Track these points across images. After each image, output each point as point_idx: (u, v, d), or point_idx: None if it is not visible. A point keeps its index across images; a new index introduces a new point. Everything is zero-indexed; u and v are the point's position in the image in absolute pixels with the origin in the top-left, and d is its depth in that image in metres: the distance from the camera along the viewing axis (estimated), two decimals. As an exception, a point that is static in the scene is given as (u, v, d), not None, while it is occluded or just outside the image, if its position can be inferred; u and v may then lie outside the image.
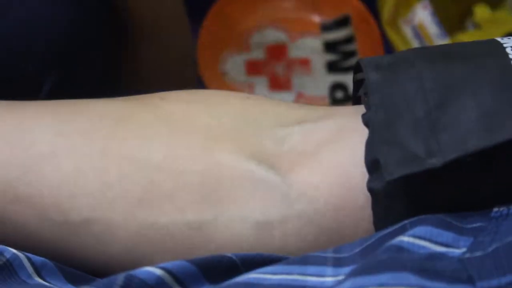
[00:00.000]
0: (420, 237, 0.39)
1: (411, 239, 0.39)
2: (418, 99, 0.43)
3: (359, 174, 0.45)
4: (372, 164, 0.44)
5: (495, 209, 0.42)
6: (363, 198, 0.44)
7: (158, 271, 0.40)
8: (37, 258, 0.46)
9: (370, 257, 0.40)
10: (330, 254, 0.41)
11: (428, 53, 0.45)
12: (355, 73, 0.49)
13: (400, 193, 0.43)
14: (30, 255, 0.46)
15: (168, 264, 0.40)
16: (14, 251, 0.45)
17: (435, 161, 0.41)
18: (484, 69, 0.43)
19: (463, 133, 0.41)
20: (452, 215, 0.41)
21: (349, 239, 0.45)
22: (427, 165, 0.41)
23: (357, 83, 0.50)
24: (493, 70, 0.43)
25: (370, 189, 0.44)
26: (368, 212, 0.44)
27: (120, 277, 0.39)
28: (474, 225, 0.41)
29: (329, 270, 0.39)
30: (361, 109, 0.47)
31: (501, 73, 0.42)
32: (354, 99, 0.51)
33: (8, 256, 0.44)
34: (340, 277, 0.38)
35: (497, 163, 0.43)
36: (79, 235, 0.48)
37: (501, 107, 0.41)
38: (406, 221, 0.41)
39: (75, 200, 0.46)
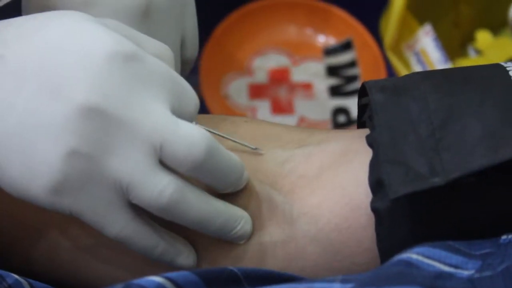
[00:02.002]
0: (429, 257, 0.40)
1: (420, 257, 0.39)
2: (423, 119, 0.43)
3: (362, 195, 0.45)
4: (376, 184, 0.44)
5: (504, 237, 0.42)
6: (366, 218, 0.45)
7: (158, 279, 0.40)
8: (39, 285, 0.46)
9: (379, 269, 0.40)
10: (338, 277, 0.41)
11: (433, 76, 0.45)
12: (359, 98, 0.50)
13: (404, 213, 0.43)
14: (32, 281, 0.46)
15: (170, 274, 0.41)
16: (17, 277, 0.45)
17: (438, 180, 0.41)
18: (487, 90, 0.43)
19: (467, 153, 0.41)
20: (460, 242, 0.42)
21: (352, 258, 0.45)
22: (430, 184, 0.41)
23: (362, 108, 0.50)
24: (496, 91, 0.43)
25: (374, 209, 0.44)
26: (370, 232, 0.45)
27: (119, 285, 0.40)
28: (483, 251, 0.41)
29: (336, 285, 0.39)
30: (364, 132, 0.47)
31: (504, 94, 0.43)
32: (359, 124, 0.52)
33: (10, 281, 0.44)
34: (348, 285, 0.38)
35: (502, 185, 0.43)
36: (87, 258, 0.48)
37: (505, 127, 0.42)
38: (414, 248, 0.41)
39: (84, 225, 0.46)
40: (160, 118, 0.42)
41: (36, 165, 0.41)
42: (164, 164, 0.42)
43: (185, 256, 0.45)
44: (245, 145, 0.48)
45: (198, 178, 0.43)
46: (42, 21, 0.43)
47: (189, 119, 0.44)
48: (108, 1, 0.49)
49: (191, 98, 0.44)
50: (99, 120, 0.41)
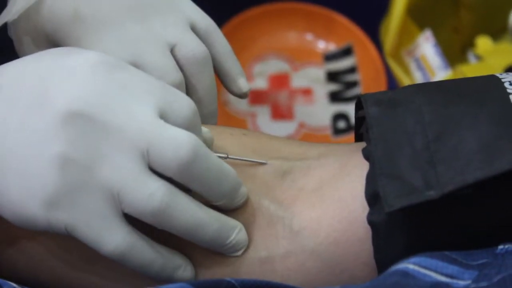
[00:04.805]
0: (425, 267, 0.40)
1: (416, 267, 0.39)
2: (418, 132, 0.43)
3: (360, 208, 0.45)
4: (372, 197, 0.44)
5: (500, 246, 0.42)
6: (364, 231, 0.45)
7: None
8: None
9: (376, 280, 0.40)
10: (337, 287, 0.41)
11: (428, 89, 0.45)
12: (356, 111, 0.50)
13: (400, 225, 0.43)
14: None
15: (166, 286, 0.41)
16: (15, 285, 0.45)
17: (433, 193, 0.41)
18: (483, 103, 0.43)
19: (461, 165, 0.41)
20: (457, 252, 0.42)
21: (350, 271, 0.45)
22: (425, 197, 0.42)
23: (359, 121, 0.50)
24: (491, 103, 0.43)
25: (371, 222, 0.44)
26: (368, 245, 0.45)
27: None
28: (480, 261, 0.41)
29: None
30: (362, 145, 0.47)
31: (499, 106, 0.43)
32: (357, 137, 0.52)
33: (7, 290, 0.44)
34: None
35: (497, 197, 0.43)
36: (81, 273, 0.48)
37: (500, 139, 0.42)
38: (410, 258, 0.41)
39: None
40: (145, 122, 0.42)
41: (31, 181, 0.41)
42: (153, 170, 0.43)
43: (183, 269, 0.45)
44: (255, 161, 0.48)
45: (187, 184, 0.43)
46: (36, 54, 0.45)
47: (183, 123, 0.44)
48: (97, 14, 0.50)
49: (183, 102, 0.44)
50: (83, 125, 0.41)
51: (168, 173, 0.42)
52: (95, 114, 0.42)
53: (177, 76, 0.53)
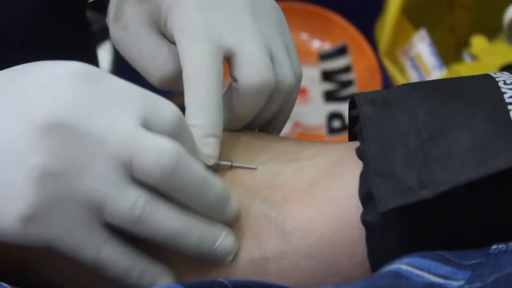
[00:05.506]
0: (418, 268, 0.40)
1: (409, 268, 0.39)
2: (412, 132, 0.43)
3: (354, 207, 0.45)
4: (366, 197, 0.44)
5: (494, 246, 0.42)
6: (358, 231, 0.44)
7: None
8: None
9: (368, 280, 0.40)
10: (329, 287, 0.41)
11: (422, 88, 0.45)
12: (350, 110, 0.50)
13: (394, 225, 0.43)
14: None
15: (160, 286, 0.40)
16: (6, 285, 0.45)
17: (427, 193, 0.41)
18: (477, 102, 0.43)
19: (456, 165, 0.41)
20: (450, 252, 0.42)
21: (344, 272, 0.45)
22: (419, 196, 0.41)
23: (353, 120, 0.50)
24: (486, 103, 0.43)
25: (364, 222, 0.44)
26: (362, 245, 0.44)
27: None
28: (473, 261, 0.41)
29: None
30: (356, 144, 0.47)
31: (494, 106, 0.43)
32: (350, 136, 0.51)
33: (0, 291, 0.44)
34: None
35: (492, 196, 0.43)
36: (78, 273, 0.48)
37: (494, 139, 0.41)
38: (403, 258, 0.41)
39: None
40: (126, 131, 0.42)
41: (7, 195, 0.41)
42: (136, 179, 0.42)
43: (165, 277, 0.45)
44: (246, 167, 0.48)
45: (170, 193, 0.43)
46: (19, 66, 0.44)
47: (167, 130, 0.43)
48: None
49: (167, 109, 0.44)
50: (63, 136, 0.41)
51: (151, 182, 0.42)
52: (75, 124, 0.41)
53: (272, 76, 0.51)
